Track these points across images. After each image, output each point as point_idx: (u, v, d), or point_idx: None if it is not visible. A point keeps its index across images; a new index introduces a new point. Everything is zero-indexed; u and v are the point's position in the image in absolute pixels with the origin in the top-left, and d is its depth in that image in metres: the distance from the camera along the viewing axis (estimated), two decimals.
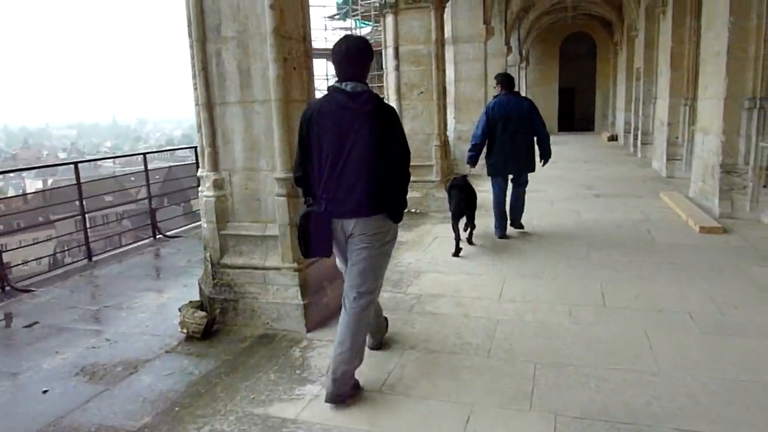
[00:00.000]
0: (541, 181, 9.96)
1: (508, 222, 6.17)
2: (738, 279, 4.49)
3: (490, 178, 6.11)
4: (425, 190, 7.81)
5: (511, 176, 6.07)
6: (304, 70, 3.92)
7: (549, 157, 6.05)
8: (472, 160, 6.00)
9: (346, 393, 2.85)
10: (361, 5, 21.05)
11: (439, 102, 7.79)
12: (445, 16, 11.63)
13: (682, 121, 9.99)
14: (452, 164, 11.82)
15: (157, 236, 7.08)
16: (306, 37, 3.94)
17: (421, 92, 7.75)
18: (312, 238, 2.84)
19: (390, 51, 7.75)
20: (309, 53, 4.00)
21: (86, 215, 6.49)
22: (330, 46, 26.63)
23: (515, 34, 17.95)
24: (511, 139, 5.78)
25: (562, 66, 24.30)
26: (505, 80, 6.02)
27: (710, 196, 7.08)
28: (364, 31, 22.98)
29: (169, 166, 20.32)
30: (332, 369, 2.83)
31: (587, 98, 24.47)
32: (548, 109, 23.75)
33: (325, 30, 27.39)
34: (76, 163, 6.45)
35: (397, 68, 7.75)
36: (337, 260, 3.10)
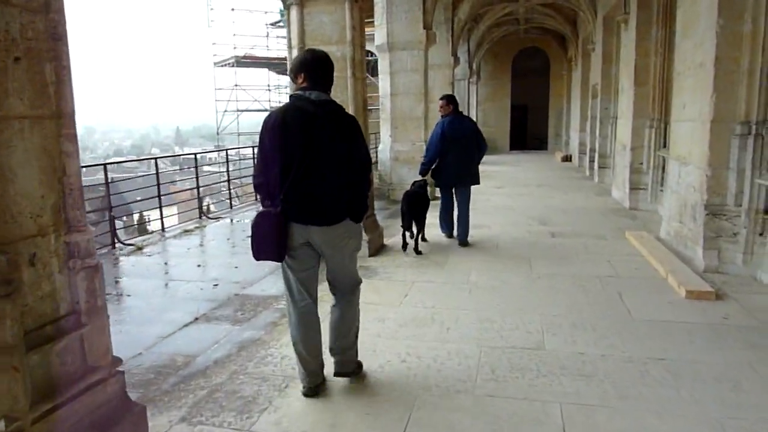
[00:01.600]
0: (486, 212, 8.51)
1: (455, 234, 6.74)
2: (762, 399, 2.97)
3: (438, 189, 7.03)
4: None
5: (455, 189, 6.69)
6: (47, 64, 2.18)
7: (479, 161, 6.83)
8: (425, 172, 6.71)
9: (353, 370, 3.16)
10: None
11: (357, 119, 6.13)
12: (381, 19, 10.20)
13: (647, 145, 8.69)
14: (388, 190, 10.28)
15: None
16: (51, 6, 2.21)
17: None
18: (265, 240, 2.83)
19: (295, 53, 6.04)
20: (59, 35, 2.26)
21: None
22: (272, 54, 25.09)
23: (464, 45, 16.65)
24: (461, 155, 6.45)
25: (514, 82, 23.17)
26: (455, 101, 6.74)
27: (690, 243, 5.67)
28: None
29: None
30: (338, 358, 3.11)
31: (540, 116, 23.45)
32: (500, 127, 22.65)
33: (267, 38, 25.78)
34: None
35: None
36: (291, 266, 2.99)
